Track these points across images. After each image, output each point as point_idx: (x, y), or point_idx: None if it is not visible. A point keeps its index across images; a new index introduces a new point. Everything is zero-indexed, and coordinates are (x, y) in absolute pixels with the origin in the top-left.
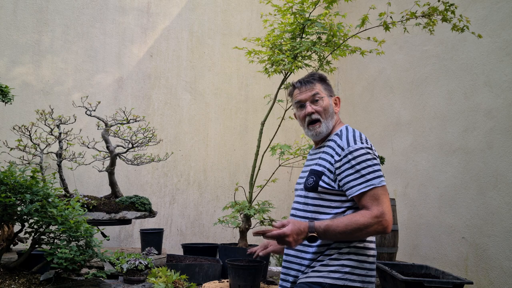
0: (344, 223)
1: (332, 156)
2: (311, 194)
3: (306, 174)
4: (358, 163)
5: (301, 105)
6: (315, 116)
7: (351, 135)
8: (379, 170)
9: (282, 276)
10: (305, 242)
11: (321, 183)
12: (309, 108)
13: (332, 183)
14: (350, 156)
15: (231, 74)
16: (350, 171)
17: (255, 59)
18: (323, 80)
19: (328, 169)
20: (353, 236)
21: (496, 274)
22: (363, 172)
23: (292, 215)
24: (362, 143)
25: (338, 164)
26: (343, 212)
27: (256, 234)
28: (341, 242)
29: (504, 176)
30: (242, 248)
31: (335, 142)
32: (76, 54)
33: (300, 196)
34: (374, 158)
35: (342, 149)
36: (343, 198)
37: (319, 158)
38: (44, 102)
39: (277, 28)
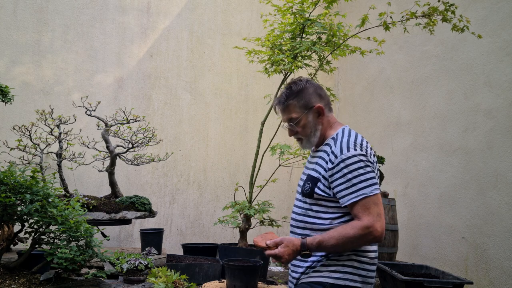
0: (335, 238)
1: (326, 163)
2: (308, 200)
3: (305, 178)
4: (350, 172)
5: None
6: (295, 137)
7: (346, 140)
8: (372, 178)
9: (291, 274)
10: None
11: (316, 190)
12: (288, 131)
13: (327, 190)
14: (342, 165)
15: (231, 74)
16: (342, 180)
17: (255, 59)
18: (296, 94)
19: (323, 176)
20: (346, 248)
21: (496, 274)
22: (354, 181)
23: (292, 218)
24: (355, 149)
25: (330, 172)
26: (341, 216)
27: (255, 246)
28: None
29: (504, 176)
30: (242, 248)
31: (330, 147)
32: (76, 54)
33: (299, 200)
34: (367, 166)
35: (336, 157)
36: (339, 204)
37: (316, 163)
38: (44, 102)
39: (277, 28)
